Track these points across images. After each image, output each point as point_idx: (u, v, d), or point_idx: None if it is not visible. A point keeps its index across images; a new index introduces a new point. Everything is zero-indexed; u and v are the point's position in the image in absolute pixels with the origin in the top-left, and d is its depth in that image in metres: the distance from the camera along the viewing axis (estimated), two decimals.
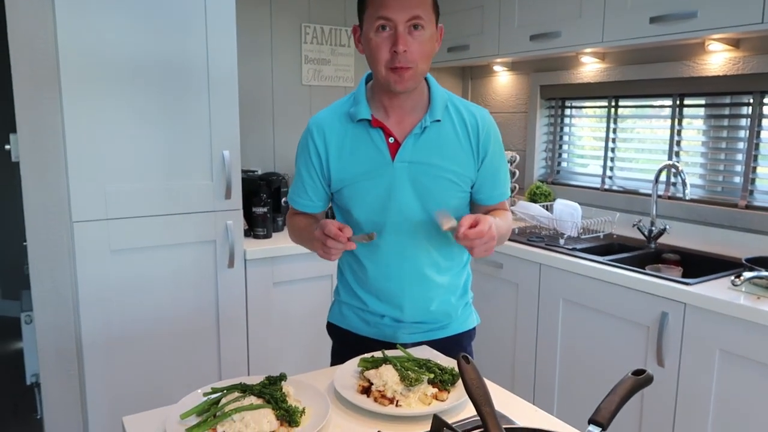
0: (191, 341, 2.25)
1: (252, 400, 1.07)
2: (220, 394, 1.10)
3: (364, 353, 1.33)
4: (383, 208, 1.35)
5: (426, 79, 1.38)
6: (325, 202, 1.46)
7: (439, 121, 1.34)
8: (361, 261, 1.43)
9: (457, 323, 1.49)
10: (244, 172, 2.63)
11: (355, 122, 1.35)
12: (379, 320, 1.45)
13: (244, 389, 1.10)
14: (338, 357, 1.51)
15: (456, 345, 1.48)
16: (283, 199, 2.72)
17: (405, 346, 1.42)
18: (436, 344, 1.45)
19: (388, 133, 1.34)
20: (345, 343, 1.51)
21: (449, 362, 1.28)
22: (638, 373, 0.87)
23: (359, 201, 1.36)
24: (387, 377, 1.17)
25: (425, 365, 1.23)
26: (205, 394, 1.12)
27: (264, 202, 2.50)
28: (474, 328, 1.54)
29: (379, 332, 1.46)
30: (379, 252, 1.39)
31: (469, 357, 0.87)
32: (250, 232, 2.52)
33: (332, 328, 1.56)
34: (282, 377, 1.15)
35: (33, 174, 1.96)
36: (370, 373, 1.20)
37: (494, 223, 1.23)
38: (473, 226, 1.19)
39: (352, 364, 1.29)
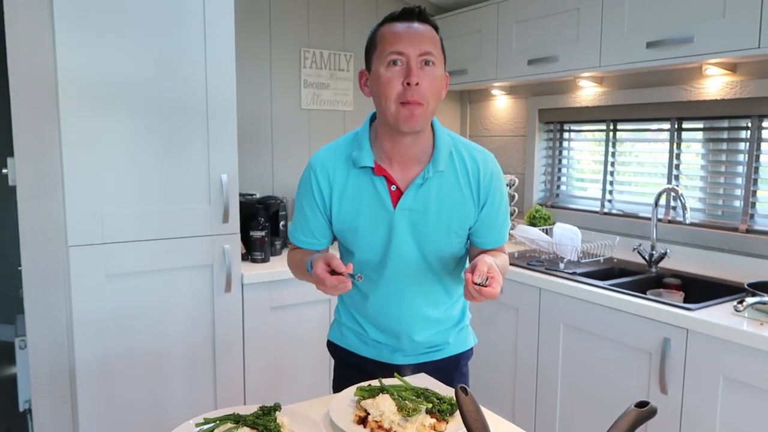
0: (186, 367, 2.22)
1: (245, 431, 1.04)
2: (212, 424, 1.08)
3: (362, 372, 1.36)
4: (384, 250, 1.36)
5: (432, 124, 1.36)
6: (329, 239, 1.45)
7: (441, 171, 1.33)
8: (362, 293, 1.44)
9: (455, 345, 1.51)
10: (242, 195, 2.62)
11: (357, 168, 1.34)
12: (377, 344, 1.47)
13: (238, 420, 1.08)
14: (338, 374, 1.56)
15: (453, 365, 1.50)
16: (281, 223, 2.71)
17: (402, 369, 1.43)
18: (433, 365, 1.47)
19: (390, 181, 1.33)
20: (344, 361, 1.54)
21: (448, 391, 1.26)
22: (641, 404, 0.84)
23: (360, 243, 1.37)
24: (384, 407, 1.14)
25: (423, 394, 1.20)
26: (197, 425, 1.09)
27: (262, 225, 2.48)
28: (471, 349, 1.55)
29: (378, 353, 1.47)
30: (379, 290, 1.41)
31: (467, 388, 0.85)
32: (248, 256, 2.50)
33: (332, 347, 1.57)
34: (276, 407, 1.12)
35: (29, 198, 1.95)
36: (367, 403, 1.17)
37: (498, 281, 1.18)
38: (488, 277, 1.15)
39: (349, 393, 1.26)
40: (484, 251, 1.41)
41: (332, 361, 1.59)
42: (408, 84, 1.22)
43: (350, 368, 1.50)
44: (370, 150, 1.33)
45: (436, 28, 1.29)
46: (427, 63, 1.24)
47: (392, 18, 1.27)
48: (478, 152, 1.38)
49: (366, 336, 1.47)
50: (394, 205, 1.32)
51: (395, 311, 1.41)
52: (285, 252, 2.71)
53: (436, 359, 1.48)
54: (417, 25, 1.25)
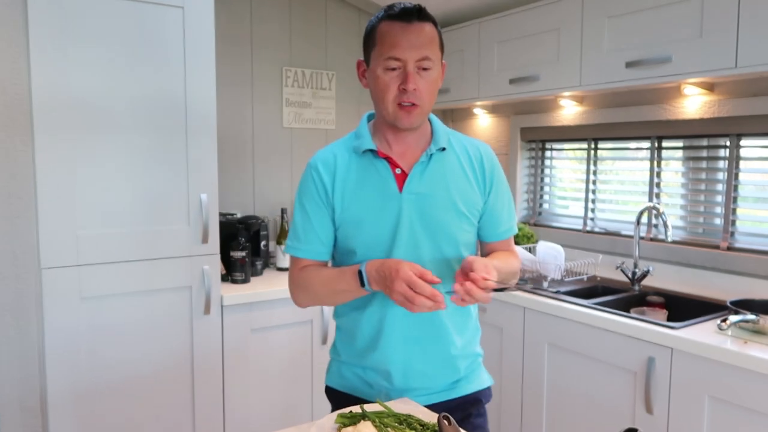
0: (164, 393, 2.16)
1: None
2: None
3: None
4: (390, 245, 1.30)
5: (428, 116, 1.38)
6: (331, 247, 1.37)
7: (444, 149, 1.34)
8: (366, 303, 1.34)
9: (468, 382, 1.40)
10: (222, 215, 2.58)
11: (359, 154, 1.33)
12: (382, 381, 1.36)
13: None
14: None
15: (471, 406, 1.40)
16: (263, 243, 2.67)
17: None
18: (445, 406, 1.36)
19: (394, 164, 1.32)
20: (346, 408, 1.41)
21: (431, 417, 1.22)
22: None
23: (364, 237, 1.31)
24: None
25: (406, 421, 1.17)
26: None
27: (243, 246, 2.44)
28: (489, 388, 1.45)
29: (384, 395, 1.36)
30: (380, 295, 1.30)
31: (450, 417, 0.82)
32: (228, 276, 2.45)
33: (331, 393, 1.45)
34: None
35: (1, 219, 1.90)
36: (348, 430, 1.14)
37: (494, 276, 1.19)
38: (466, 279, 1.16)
39: (329, 420, 1.22)
40: (494, 249, 1.40)
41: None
42: (405, 90, 1.24)
43: None
44: (370, 138, 1.33)
45: (435, 24, 1.29)
46: (425, 68, 1.26)
47: (391, 15, 1.26)
48: (477, 141, 1.42)
49: (368, 368, 1.36)
50: (400, 189, 1.30)
51: (402, 315, 1.30)
52: (266, 272, 2.67)
53: (449, 399, 1.37)
54: (416, 27, 1.25)
